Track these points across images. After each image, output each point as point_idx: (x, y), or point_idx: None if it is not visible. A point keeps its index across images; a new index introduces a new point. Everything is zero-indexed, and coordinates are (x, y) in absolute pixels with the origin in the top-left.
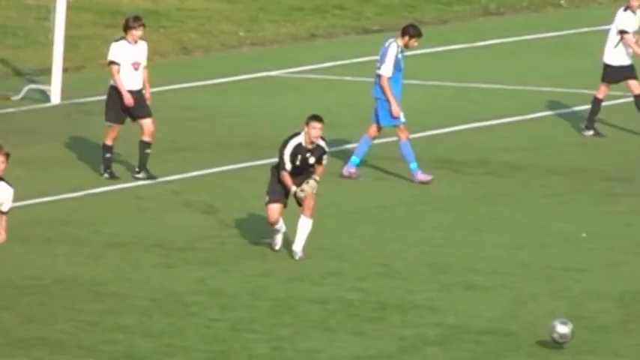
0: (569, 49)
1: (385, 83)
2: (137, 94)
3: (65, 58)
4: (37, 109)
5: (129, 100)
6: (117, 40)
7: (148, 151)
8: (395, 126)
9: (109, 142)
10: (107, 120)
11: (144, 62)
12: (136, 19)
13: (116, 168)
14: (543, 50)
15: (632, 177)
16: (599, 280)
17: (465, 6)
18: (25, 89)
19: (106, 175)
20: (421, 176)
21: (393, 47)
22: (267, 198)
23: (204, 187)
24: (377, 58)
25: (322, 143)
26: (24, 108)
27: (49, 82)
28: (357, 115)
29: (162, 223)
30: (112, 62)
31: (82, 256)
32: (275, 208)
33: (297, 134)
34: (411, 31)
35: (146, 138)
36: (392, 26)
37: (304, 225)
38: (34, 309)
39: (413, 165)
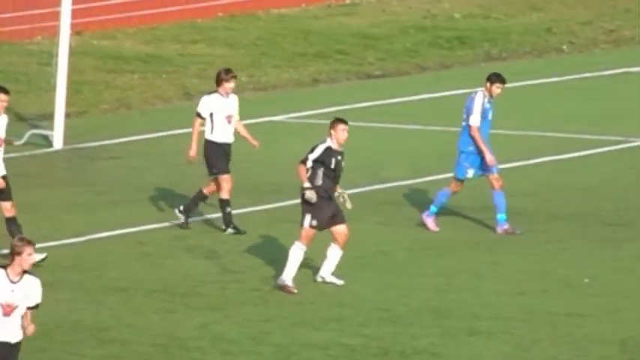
0: (571, 94)
1: (476, 133)
2: (228, 148)
3: (68, 104)
4: (40, 154)
5: (193, 152)
6: (209, 94)
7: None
8: (459, 180)
9: (225, 196)
10: (217, 173)
11: (236, 115)
12: (228, 71)
13: (120, 212)
14: (545, 95)
15: (634, 222)
16: (601, 325)
17: (468, 51)
18: (27, 134)
19: (230, 231)
20: (431, 224)
21: (480, 96)
22: (313, 222)
23: (207, 233)
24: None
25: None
26: (26, 153)
27: (51, 127)
28: (360, 159)
29: (164, 269)
30: (198, 115)
31: (83, 302)
32: (314, 235)
33: (321, 142)
34: (492, 78)
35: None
36: (394, 72)
37: (336, 255)
38: (35, 355)
39: (434, 208)
